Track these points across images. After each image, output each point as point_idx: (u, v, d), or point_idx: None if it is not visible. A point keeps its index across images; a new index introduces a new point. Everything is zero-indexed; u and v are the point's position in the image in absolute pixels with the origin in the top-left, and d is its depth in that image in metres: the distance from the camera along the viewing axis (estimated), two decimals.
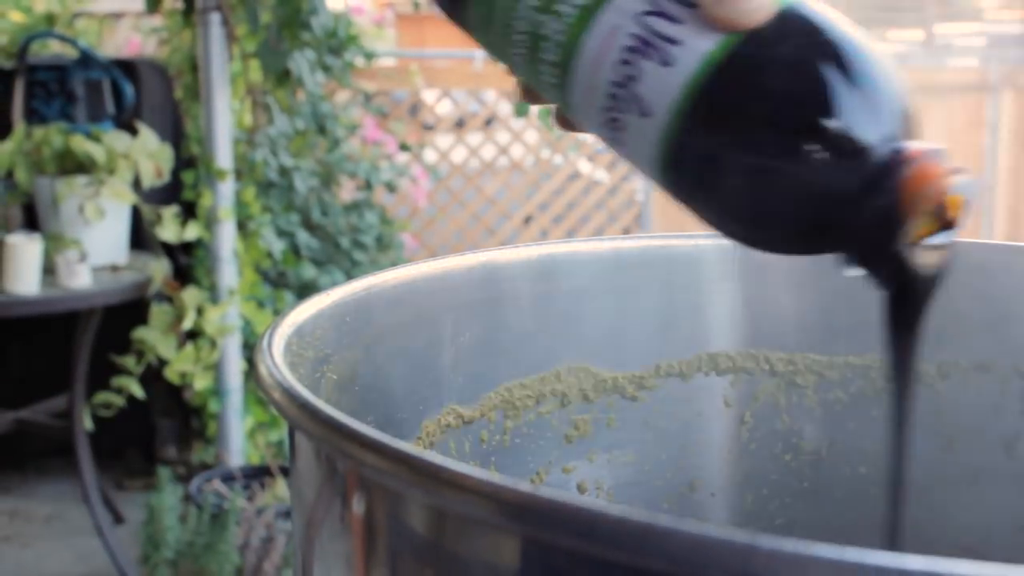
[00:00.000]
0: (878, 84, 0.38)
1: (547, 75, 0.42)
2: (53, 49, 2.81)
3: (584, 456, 0.63)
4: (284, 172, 2.77)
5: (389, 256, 3.00)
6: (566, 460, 0.63)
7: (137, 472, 2.85)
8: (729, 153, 0.39)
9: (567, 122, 0.45)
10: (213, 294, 2.35)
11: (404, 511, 0.35)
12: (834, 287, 0.64)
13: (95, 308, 2.31)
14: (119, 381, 2.29)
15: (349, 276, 2.83)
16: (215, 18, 2.28)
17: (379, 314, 0.54)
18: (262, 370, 0.40)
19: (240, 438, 2.41)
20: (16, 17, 2.97)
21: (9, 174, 2.40)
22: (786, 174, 0.38)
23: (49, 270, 2.26)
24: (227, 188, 2.35)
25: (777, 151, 0.38)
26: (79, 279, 2.24)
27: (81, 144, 2.33)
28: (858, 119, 0.38)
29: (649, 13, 0.40)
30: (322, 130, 2.90)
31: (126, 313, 2.41)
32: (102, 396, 2.30)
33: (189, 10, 2.37)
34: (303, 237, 2.78)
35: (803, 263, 0.65)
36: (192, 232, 2.34)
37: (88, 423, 2.37)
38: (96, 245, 2.35)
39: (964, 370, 0.62)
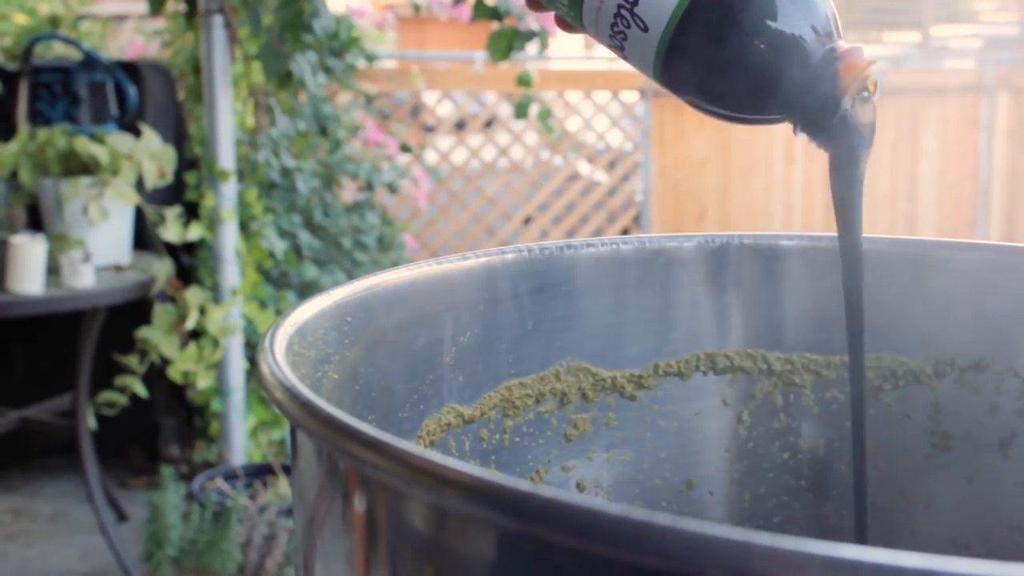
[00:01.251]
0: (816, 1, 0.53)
1: (562, 2, 0.57)
2: (57, 51, 2.81)
3: (583, 455, 0.63)
4: (286, 173, 2.78)
5: (390, 256, 3.01)
6: (565, 459, 0.63)
7: (140, 470, 2.85)
8: (707, 53, 0.53)
9: (563, 23, 0.58)
10: (216, 294, 2.35)
11: (405, 509, 0.35)
12: (832, 287, 0.64)
13: (99, 308, 2.32)
14: (122, 380, 2.29)
15: (350, 276, 2.83)
16: (218, 20, 2.29)
17: (380, 314, 0.54)
18: (264, 369, 0.41)
19: (242, 437, 2.41)
20: (20, 19, 2.97)
21: (13, 175, 2.41)
22: (752, 69, 0.52)
23: (53, 270, 2.27)
24: (230, 189, 2.35)
25: (742, 53, 0.52)
26: (83, 279, 2.24)
27: (85, 145, 2.33)
28: (802, 26, 0.52)
29: None
30: (324, 131, 2.90)
31: (129, 313, 2.41)
32: (106, 395, 2.31)
33: (192, 12, 2.37)
34: (305, 237, 2.79)
35: (799, 265, 0.65)
36: (195, 232, 2.34)
37: (92, 422, 2.37)
38: (100, 245, 2.35)
39: (960, 369, 0.63)
